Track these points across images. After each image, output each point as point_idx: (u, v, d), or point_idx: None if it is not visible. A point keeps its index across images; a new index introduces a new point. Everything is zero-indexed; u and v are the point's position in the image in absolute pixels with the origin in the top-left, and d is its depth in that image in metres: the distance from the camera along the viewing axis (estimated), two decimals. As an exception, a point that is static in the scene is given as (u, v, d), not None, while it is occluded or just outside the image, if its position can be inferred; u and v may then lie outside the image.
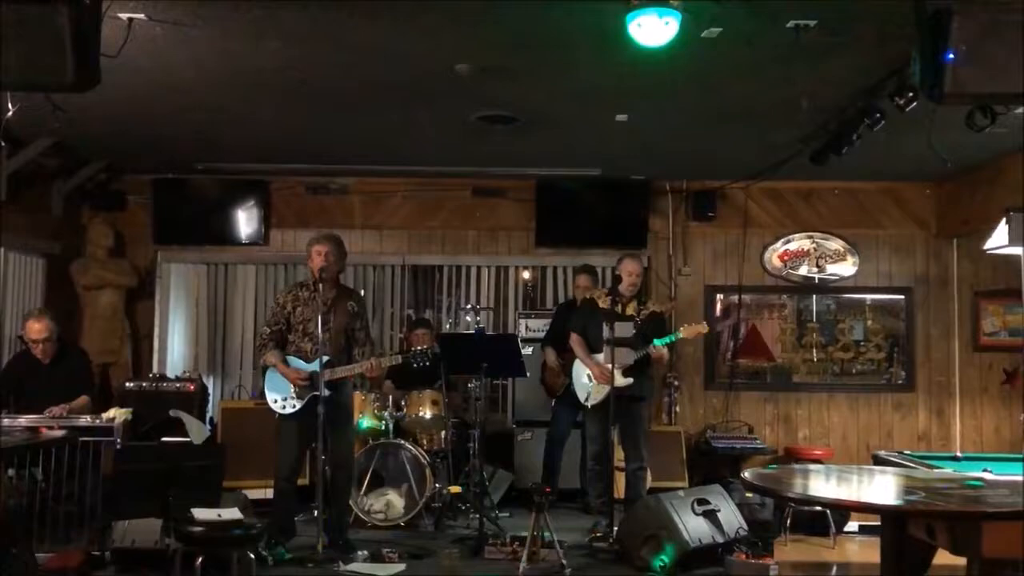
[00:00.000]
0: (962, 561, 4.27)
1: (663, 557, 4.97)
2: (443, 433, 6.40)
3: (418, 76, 5.03)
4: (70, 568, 4.61)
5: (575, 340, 5.98)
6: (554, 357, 6.81)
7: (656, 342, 5.68)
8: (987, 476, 4.21)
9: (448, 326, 8.00)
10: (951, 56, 3.19)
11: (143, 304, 7.86)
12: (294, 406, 5.28)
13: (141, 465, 4.27)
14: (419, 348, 5.61)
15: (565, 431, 6.81)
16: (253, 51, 4.60)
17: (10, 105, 3.98)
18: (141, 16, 4.03)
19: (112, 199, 7.77)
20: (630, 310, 5.85)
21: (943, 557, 4.76)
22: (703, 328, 5.94)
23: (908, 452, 5.61)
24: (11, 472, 4.90)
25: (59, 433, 5.02)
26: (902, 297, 7.89)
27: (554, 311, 7.31)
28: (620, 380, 5.61)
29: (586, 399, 5.91)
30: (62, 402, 5.55)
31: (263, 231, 7.87)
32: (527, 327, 7.41)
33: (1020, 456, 5.78)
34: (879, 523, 4.99)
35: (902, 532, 3.09)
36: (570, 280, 7.89)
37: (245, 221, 7.86)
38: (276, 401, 5.34)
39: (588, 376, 5.85)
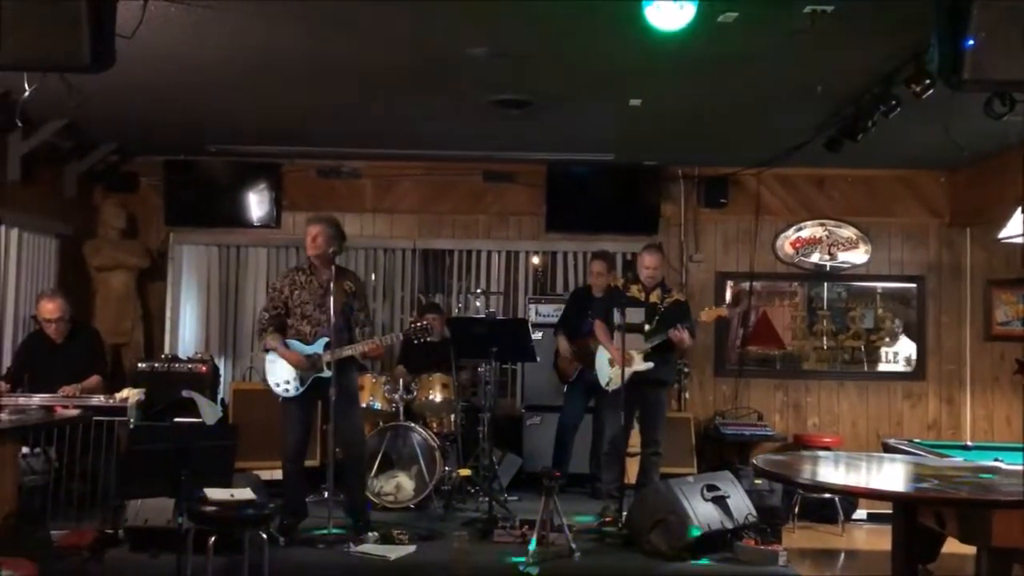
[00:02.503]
0: (970, 549, 4.30)
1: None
2: (452, 416, 6.43)
3: (432, 60, 5.02)
4: (84, 546, 4.65)
5: (599, 326, 6.00)
6: (566, 343, 6.82)
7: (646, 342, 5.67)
8: (1000, 465, 4.22)
9: (458, 310, 8.01)
10: (970, 42, 3.15)
11: (155, 285, 7.89)
12: (296, 388, 5.28)
13: (154, 445, 4.24)
14: (419, 324, 5.56)
15: (578, 416, 6.82)
16: (267, 33, 4.59)
17: (27, 86, 3.98)
18: (156, -3, 4.03)
19: (124, 180, 7.81)
20: (654, 298, 5.88)
21: (952, 545, 4.78)
22: (723, 311, 6.01)
23: (918, 441, 5.62)
24: (26, 451, 4.94)
25: (74, 412, 5.06)
26: (914, 285, 7.87)
27: (568, 297, 7.31)
28: (640, 364, 5.64)
29: (607, 383, 5.92)
30: (75, 381, 5.59)
31: (275, 214, 7.89)
32: (537, 312, 7.41)
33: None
34: (887, 511, 5.00)
35: (913, 520, 3.09)
36: (580, 266, 7.89)
37: (257, 204, 7.88)
38: (278, 384, 5.33)
39: (610, 361, 5.86)
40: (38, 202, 6.85)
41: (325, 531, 5.11)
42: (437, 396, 6.34)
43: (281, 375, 5.31)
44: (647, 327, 5.74)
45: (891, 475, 3.89)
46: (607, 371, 5.91)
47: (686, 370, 7.70)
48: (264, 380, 5.52)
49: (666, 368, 5.89)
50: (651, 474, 5.82)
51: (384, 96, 5.79)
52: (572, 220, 7.85)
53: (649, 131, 6.59)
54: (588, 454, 6.77)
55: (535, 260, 8.12)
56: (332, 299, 5.22)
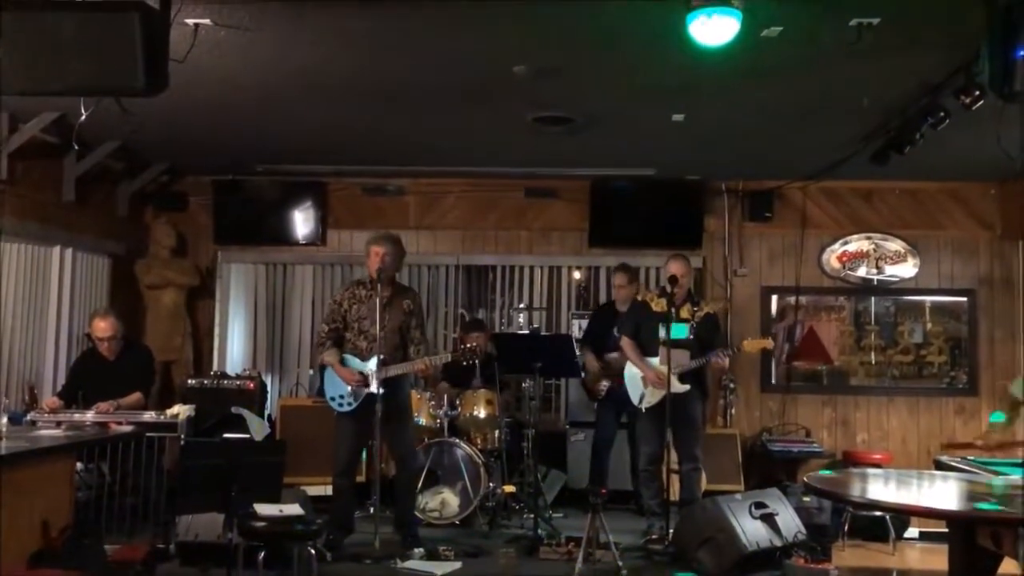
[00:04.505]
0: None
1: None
2: (497, 432, 6.43)
3: (475, 78, 5.06)
4: (136, 560, 4.70)
5: (627, 344, 5.93)
6: (594, 359, 6.77)
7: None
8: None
9: (501, 326, 8.03)
10: (1022, 53, 3.12)
11: (204, 303, 8.02)
12: (350, 404, 5.36)
13: (204, 461, 4.31)
14: (469, 345, 5.61)
15: (611, 434, 6.79)
16: (313, 55, 4.67)
17: (83, 110, 4.09)
18: (207, 21, 4.12)
19: (174, 200, 7.96)
20: (684, 312, 5.77)
21: (1008, 566, 4.67)
22: (768, 343, 5.87)
23: (971, 458, 5.48)
24: (80, 466, 5.03)
25: (127, 429, 5.14)
26: (964, 299, 7.72)
27: (591, 312, 7.27)
28: (676, 387, 5.57)
29: (640, 401, 5.87)
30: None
31: (320, 232, 7.99)
32: (580, 327, 7.41)
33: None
34: (940, 529, 4.88)
35: (972, 540, 3.03)
36: (625, 281, 7.86)
37: (303, 222, 7.99)
38: (333, 399, 5.43)
39: (642, 379, 5.81)
40: (91, 222, 7.01)
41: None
42: (481, 412, 6.36)
43: (337, 390, 5.40)
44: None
45: (946, 493, 3.82)
46: (639, 389, 5.84)
47: (732, 386, 7.63)
48: (319, 393, 5.60)
49: (695, 383, 5.81)
50: (694, 489, 5.76)
51: (428, 114, 5.84)
52: (615, 235, 7.83)
53: (692, 146, 6.57)
54: (629, 470, 6.73)
55: (577, 275, 8.12)
56: (390, 316, 5.28)
